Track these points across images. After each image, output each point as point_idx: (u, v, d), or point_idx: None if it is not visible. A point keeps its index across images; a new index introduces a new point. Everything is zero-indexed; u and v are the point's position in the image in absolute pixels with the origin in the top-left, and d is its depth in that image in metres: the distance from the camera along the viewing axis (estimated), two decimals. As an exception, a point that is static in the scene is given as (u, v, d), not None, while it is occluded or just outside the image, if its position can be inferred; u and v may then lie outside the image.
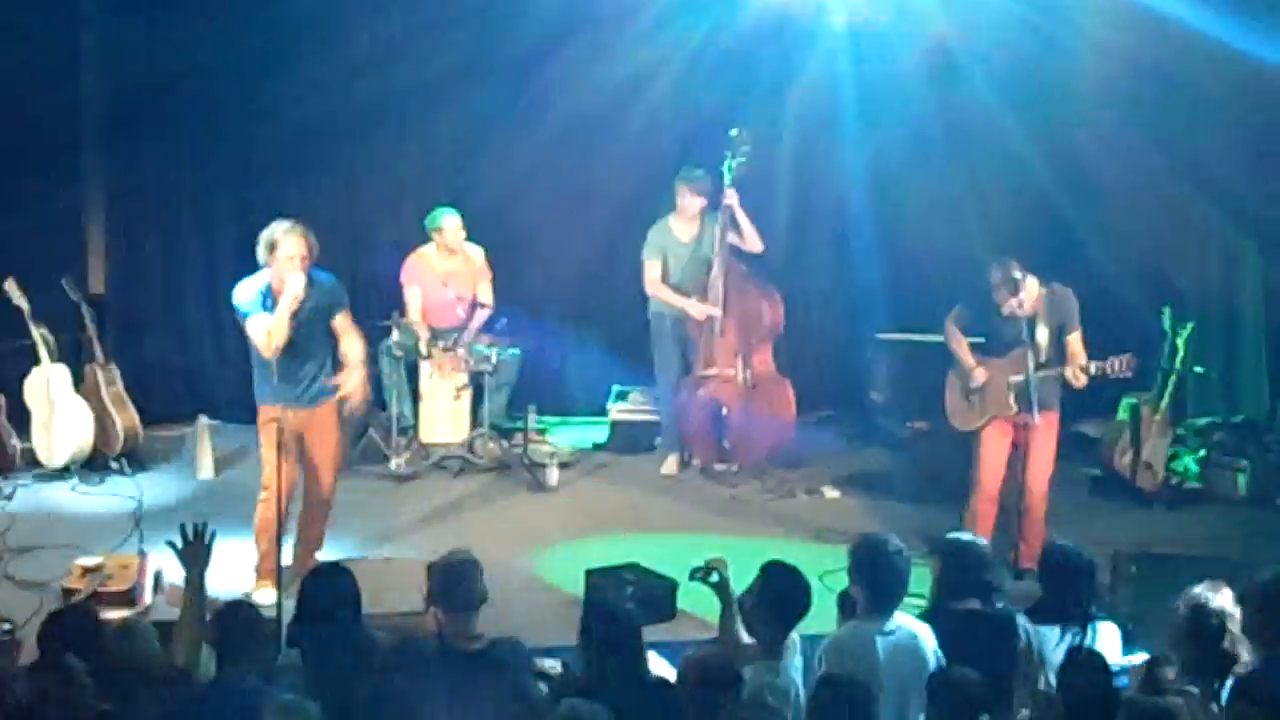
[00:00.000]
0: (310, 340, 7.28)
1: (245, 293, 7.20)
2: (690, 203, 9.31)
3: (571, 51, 10.18)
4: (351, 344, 7.41)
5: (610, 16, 9.99)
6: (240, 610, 5.26)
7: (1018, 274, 7.50)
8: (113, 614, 6.40)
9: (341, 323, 7.40)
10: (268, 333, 7.10)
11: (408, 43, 10.10)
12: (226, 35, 9.80)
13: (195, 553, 5.58)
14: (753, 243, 9.21)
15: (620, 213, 10.25)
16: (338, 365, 7.47)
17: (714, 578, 5.70)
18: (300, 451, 7.35)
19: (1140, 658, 5.76)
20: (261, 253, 7.15)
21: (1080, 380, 7.56)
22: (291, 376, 7.23)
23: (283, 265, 7.10)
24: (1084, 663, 5.13)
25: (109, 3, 9.80)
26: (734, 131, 9.13)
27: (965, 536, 6.05)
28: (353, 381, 7.35)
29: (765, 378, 9.37)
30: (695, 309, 9.30)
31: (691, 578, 5.86)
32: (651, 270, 9.41)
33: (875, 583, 5.47)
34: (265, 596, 6.87)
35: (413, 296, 9.61)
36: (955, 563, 5.83)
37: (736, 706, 4.97)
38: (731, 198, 9.12)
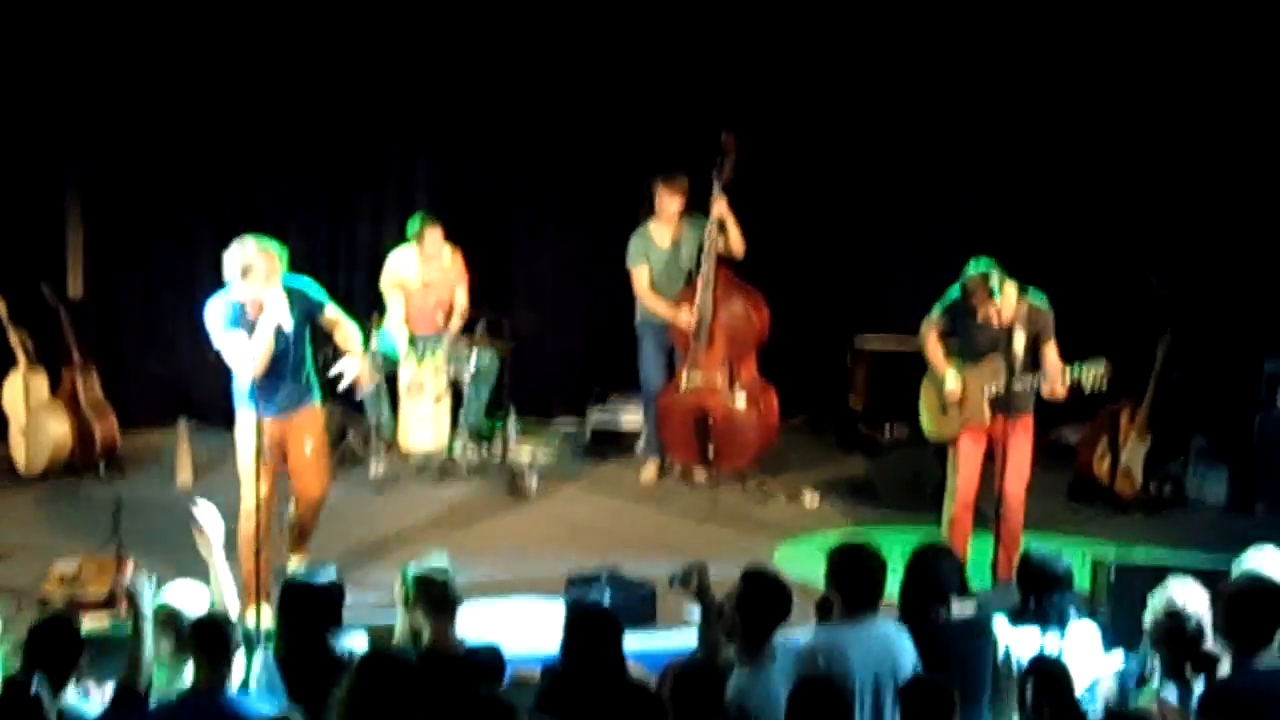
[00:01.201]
0: (290, 354, 7.10)
1: (216, 312, 6.96)
2: (668, 203, 9.29)
3: (556, 51, 10.21)
4: (347, 334, 7.29)
5: (597, 13, 10.08)
6: (213, 623, 5.22)
7: (995, 281, 7.48)
8: (90, 619, 6.39)
9: (330, 317, 7.25)
10: (248, 355, 6.89)
11: (385, 41, 10.10)
12: (205, 38, 9.79)
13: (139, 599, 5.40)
14: (737, 248, 9.18)
15: (603, 215, 10.26)
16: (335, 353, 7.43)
17: (693, 583, 5.69)
18: (283, 458, 7.26)
19: (1117, 656, 5.80)
20: (233, 276, 6.87)
21: (1059, 393, 7.56)
22: (270, 392, 7.07)
23: (258, 286, 6.86)
24: (1045, 671, 5.14)
25: (89, 6, 9.76)
26: (723, 136, 9.12)
27: (932, 544, 6.06)
28: (354, 368, 7.27)
29: (750, 385, 9.36)
30: (683, 320, 9.27)
31: (671, 584, 5.85)
32: (640, 277, 9.37)
33: (850, 587, 5.47)
34: (262, 613, 6.67)
35: (395, 302, 9.55)
36: (923, 569, 5.84)
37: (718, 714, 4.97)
38: (721, 204, 9.08)
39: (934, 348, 7.88)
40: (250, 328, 6.92)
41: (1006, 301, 7.52)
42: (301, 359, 7.25)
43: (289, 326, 6.95)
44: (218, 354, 7.08)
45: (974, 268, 7.54)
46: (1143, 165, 10.12)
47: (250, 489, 6.99)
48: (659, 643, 6.74)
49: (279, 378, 7.09)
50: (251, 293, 6.89)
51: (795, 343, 10.24)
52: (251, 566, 6.87)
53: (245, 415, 7.10)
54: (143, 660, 5.28)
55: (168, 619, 5.39)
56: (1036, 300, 7.63)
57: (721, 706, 5.01)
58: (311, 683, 5.11)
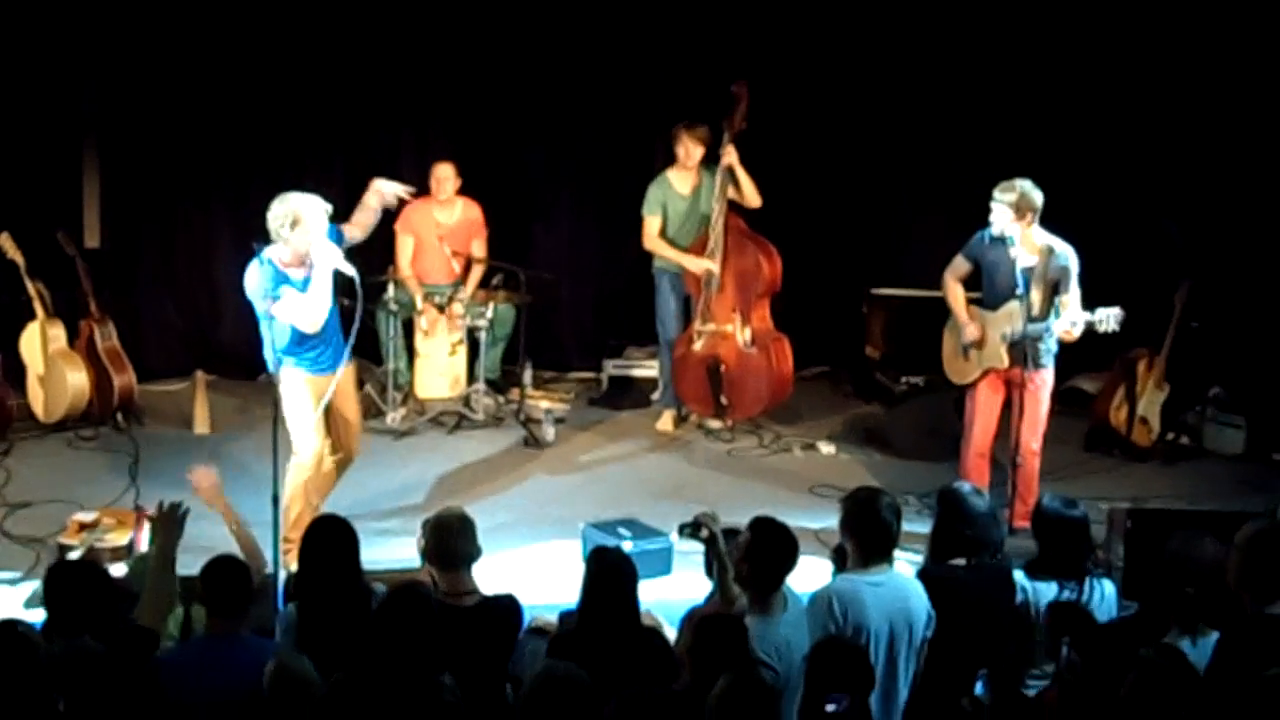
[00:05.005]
0: (335, 306, 6.99)
1: (257, 277, 6.74)
2: (690, 152, 9.24)
3: (572, 3, 10.16)
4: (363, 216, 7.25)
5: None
6: (228, 564, 5.21)
7: (1029, 199, 7.49)
8: (109, 569, 6.41)
9: (350, 235, 7.13)
10: (309, 309, 6.77)
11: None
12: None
13: (167, 525, 5.55)
14: (752, 199, 9.15)
15: (619, 167, 10.24)
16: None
17: (703, 533, 5.70)
18: (329, 412, 7.12)
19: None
20: (284, 229, 6.72)
21: (1071, 335, 7.54)
22: (324, 346, 6.99)
23: (306, 238, 6.72)
24: (1069, 616, 5.14)
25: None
26: (734, 86, 9.09)
27: (964, 488, 6.03)
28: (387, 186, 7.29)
29: (763, 334, 9.34)
30: (692, 264, 9.27)
31: (680, 533, 5.85)
32: (651, 225, 9.35)
33: (864, 535, 5.48)
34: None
35: (404, 246, 9.58)
36: (952, 516, 5.84)
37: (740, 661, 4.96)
38: (731, 153, 9.07)
39: (955, 294, 7.90)
40: (296, 284, 6.81)
41: (1029, 242, 7.52)
42: (339, 310, 7.11)
43: (350, 270, 6.77)
44: (260, 318, 6.82)
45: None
46: (1161, 113, 10.05)
47: (308, 443, 6.97)
48: (674, 592, 6.76)
49: (328, 330, 6.97)
50: (298, 245, 6.76)
51: (812, 293, 10.23)
52: (300, 519, 6.83)
53: (296, 373, 6.97)
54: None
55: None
56: (1060, 246, 7.61)
57: (744, 653, 5.00)
58: (329, 626, 5.14)
